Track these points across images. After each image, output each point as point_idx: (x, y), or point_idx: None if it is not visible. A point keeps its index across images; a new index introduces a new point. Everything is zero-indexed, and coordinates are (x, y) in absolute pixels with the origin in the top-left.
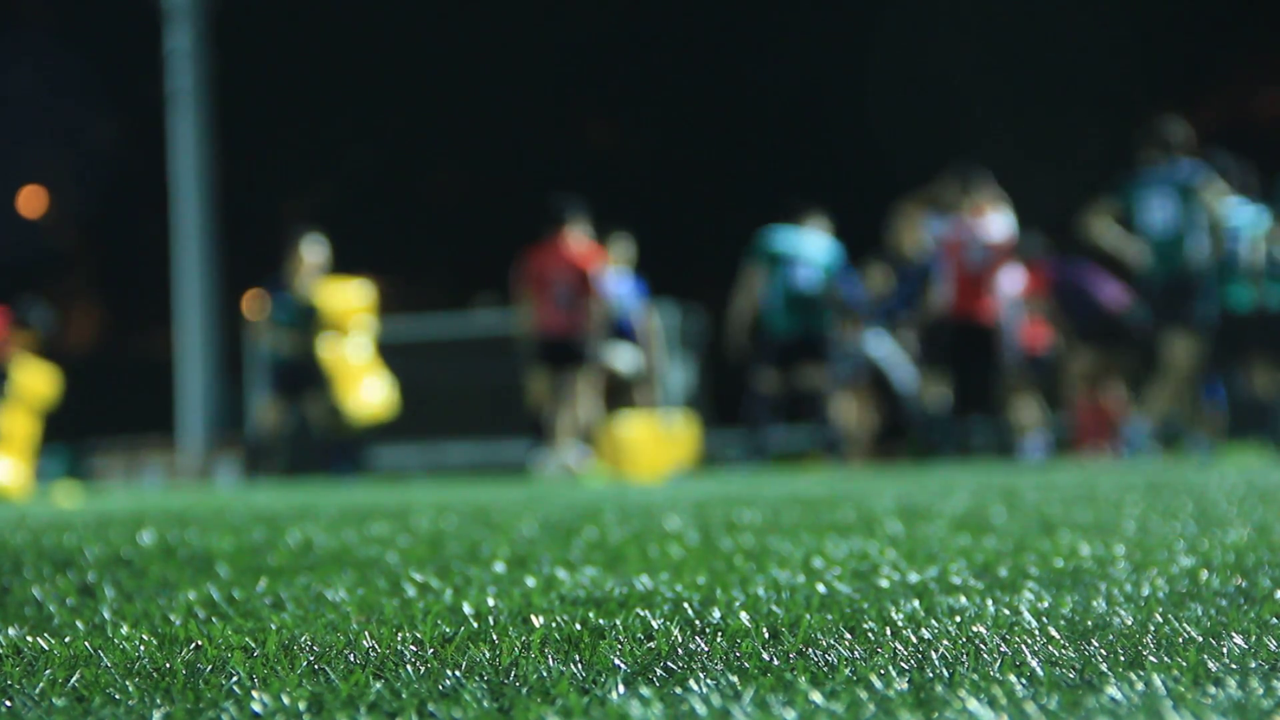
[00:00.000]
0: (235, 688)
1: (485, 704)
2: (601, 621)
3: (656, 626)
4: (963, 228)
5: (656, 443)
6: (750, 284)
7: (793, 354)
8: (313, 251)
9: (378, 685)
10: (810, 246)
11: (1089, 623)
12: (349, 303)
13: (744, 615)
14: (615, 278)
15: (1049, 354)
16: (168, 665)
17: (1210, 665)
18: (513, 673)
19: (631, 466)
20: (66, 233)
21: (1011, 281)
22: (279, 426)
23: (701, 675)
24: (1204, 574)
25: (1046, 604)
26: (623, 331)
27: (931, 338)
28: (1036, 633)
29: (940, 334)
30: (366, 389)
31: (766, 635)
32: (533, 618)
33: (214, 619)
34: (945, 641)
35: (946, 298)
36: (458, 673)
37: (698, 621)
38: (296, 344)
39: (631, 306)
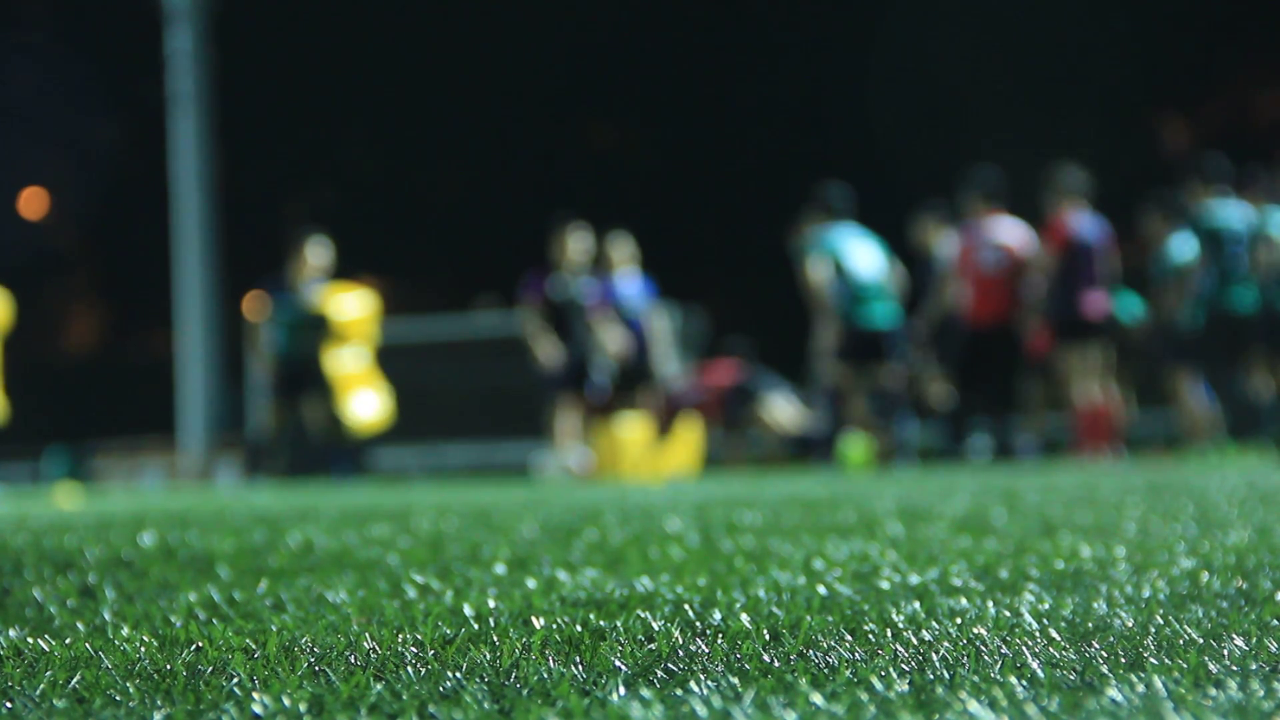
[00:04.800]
0: (236, 689)
1: (486, 706)
2: (602, 623)
3: (657, 628)
4: (973, 232)
5: (657, 446)
6: (819, 278)
7: (874, 348)
8: (317, 254)
9: (378, 687)
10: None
11: (1090, 624)
12: (357, 312)
13: (745, 617)
14: (624, 278)
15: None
16: (168, 667)
17: (1211, 667)
18: (513, 674)
19: (631, 469)
20: (67, 234)
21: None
22: (280, 428)
23: (702, 677)
24: (1205, 576)
25: (1047, 606)
26: (631, 331)
27: (941, 338)
28: (1037, 634)
29: (954, 336)
30: (362, 400)
31: (767, 637)
32: (533, 619)
33: (215, 620)
34: (946, 643)
35: (965, 302)
36: (458, 674)
37: (698, 623)
38: (298, 346)
39: (640, 307)
